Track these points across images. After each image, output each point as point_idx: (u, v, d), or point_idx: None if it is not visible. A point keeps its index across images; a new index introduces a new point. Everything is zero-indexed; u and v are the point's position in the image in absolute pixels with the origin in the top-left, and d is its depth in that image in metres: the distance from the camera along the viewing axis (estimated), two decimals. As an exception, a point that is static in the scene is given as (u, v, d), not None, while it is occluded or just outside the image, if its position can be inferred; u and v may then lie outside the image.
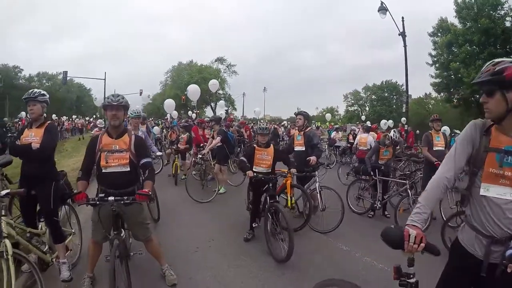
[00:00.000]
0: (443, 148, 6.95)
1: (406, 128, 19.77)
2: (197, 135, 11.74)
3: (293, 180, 6.12)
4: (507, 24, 27.94)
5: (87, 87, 65.80)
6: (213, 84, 25.63)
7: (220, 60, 59.71)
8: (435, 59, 34.17)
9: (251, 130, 17.68)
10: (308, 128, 6.92)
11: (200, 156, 8.78)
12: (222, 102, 38.82)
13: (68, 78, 41.87)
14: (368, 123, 14.19)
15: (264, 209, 5.51)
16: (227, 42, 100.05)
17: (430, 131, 7.20)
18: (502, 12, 28.42)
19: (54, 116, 32.55)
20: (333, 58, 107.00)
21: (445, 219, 5.94)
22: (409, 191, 6.60)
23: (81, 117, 46.84)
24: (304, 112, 7.01)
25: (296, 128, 7.13)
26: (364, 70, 78.74)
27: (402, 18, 20.89)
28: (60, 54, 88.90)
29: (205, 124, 12.76)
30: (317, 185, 6.34)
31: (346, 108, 62.99)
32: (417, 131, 23.46)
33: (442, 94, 35.70)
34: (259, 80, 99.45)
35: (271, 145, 5.94)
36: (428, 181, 2.18)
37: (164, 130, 20.25)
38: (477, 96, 27.94)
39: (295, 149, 6.90)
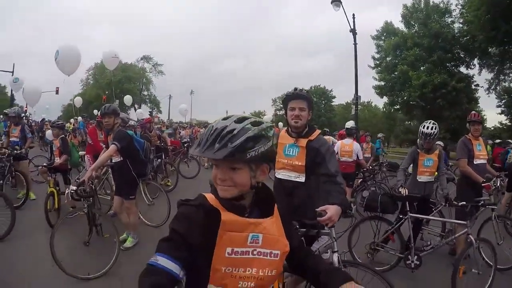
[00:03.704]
0: (485, 161, 5.26)
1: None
2: (95, 140, 7.64)
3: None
4: (456, 30, 29.20)
5: (11, 89, 57.86)
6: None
7: (146, 58, 57.23)
8: (378, 62, 34.18)
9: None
10: (315, 133, 3.04)
11: (73, 189, 4.56)
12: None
13: None
14: (351, 123, 10.67)
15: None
16: (155, 39, 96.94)
17: (466, 136, 5.20)
18: (449, 20, 29.72)
19: None
20: (262, 66, 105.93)
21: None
22: (471, 238, 3.95)
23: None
24: (306, 92, 3.04)
25: (288, 128, 3.14)
26: (293, 78, 79.48)
27: (353, 15, 20.19)
28: None
29: (150, 125, 10.17)
30: (335, 257, 2.71)
31: (275, 112, 62.01)
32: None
33: (385, 97, 35.25)
34: (186, 84, 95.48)
35: None
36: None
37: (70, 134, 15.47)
38: (425, 100, 29.02)
39: (278, 175, 3.11)
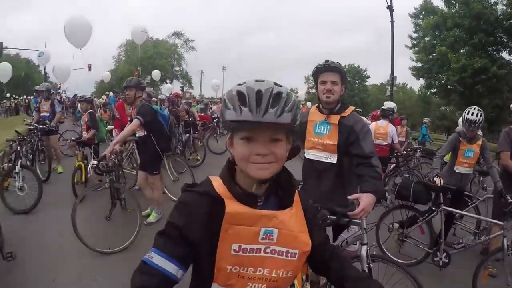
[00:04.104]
0: None
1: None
2: (122, 115, 7.61)
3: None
4: (499, 12, 26.78)
5: (36, 63, 60.48)
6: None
7: (178, 34, 56.61)
8: (415, 42, 32.08)
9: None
10: (348, 110, 2.78)
11: (94, 164, 4.50)
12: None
13: (10, 52, 37.55)
14: (389, 104, 10.11)
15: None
16: (186, 17, 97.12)
17: (511, 127, 4.61)
18: (492, 1, 27.12)
19: None
20: (294, 41, 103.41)
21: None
22: (504, 242, 3.56)
23: (24, 96, 42.08)
24: (339, 64, 2.74)
25: (319, 104, 2.87)
26: (325, 55, 75.54)
27: (391, -10, 18.68)
28: (6, 30, 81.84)
29: (178, 100, 9.94)
30: (364, 250, 2.46)
31: (307, 90, 60.22)
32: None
33: (421, 79, 33.28)
34: (218, 59, 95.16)
35: None
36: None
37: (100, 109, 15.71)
38: (463, 84, 27.23)
39: (308, 155, 2.87)
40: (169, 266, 1.09)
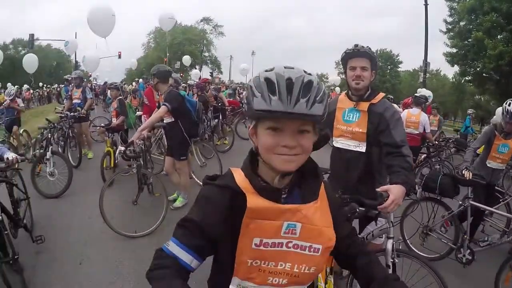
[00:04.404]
0: None
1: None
2: (151, 101, 7.70)
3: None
4: None
5: (66, 53, 62.00)
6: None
7: (206, 20, 56.91)
8: (450, 26, 30.43)
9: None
10: (378, 96, 2.66)
11: (122, 150, 4.58)
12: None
13: (41, 43, 39.37)
14: (422, 91, 9.67)
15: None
16: (214, 3, 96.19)
17: None
18: None
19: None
20: (323, 26, 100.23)
21: None
22: None
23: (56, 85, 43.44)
24: (369, 49, 2.59)
25: (348, 91, 2.77)
26: (355, 39, 73.06)
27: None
28: (39, 21, 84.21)
29: (207, 85, 9.68)
30: (390, 244, 2.37)
31: (338, 75, 59.42)
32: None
33: (455, 66, 31.79)
34: (247, 45, 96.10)
35: None
36: None
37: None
38: (500, 73, 26.04)
39: (336, 143, 2.78)
40: (184, 256, 1.07)
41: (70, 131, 7.43)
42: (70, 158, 6.68)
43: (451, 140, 8.83)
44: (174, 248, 1.08)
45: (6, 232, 3.06)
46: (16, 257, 3.10)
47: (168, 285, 1.01)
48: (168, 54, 30.73)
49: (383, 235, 2.49)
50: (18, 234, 3.73)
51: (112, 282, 3.43)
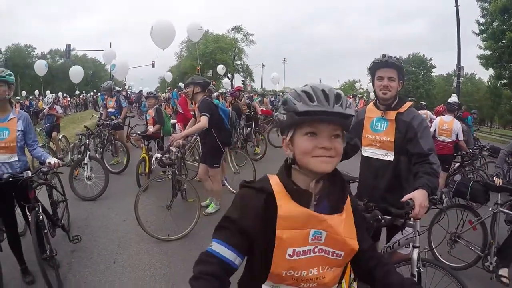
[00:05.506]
0: None
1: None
2: (185, 109, 7.87)
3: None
4: None
5: (102, 62, 64.81)
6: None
7: (237, 29, 57.04)
8: (483, 27, 29.03)
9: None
10: (405, 105, 2.68)
11: (158, 157, 4.79)
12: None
13: (78, 53, 40.09)
14: (454, 98, 9.45)
15: None
16: (243, 12, 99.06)
17: None
18: None
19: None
20: (352, 31, 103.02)
21: None
22: None
23: (92, 93, 45.13)
24: (397, 60, 2.63)
25: (376, 100, 2.81)
26: (385, 45, 74.16)
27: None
28: (74, 32, 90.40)
29: (240, 93, 10.05)
30: (415, 254, 2.37)
31: (370, 81, 58.28)
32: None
33: (490, 69, 30.35)
34: (278, 52, 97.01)
35: None
36: None
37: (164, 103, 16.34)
38: None
39: (365, 152, 2.81)
40: (228, 254, 1.15)
41: (111, 137, 7.83)
42: (106, 163, 6.97)
43: (486, 148, 8.56)
44: (217, 247, 1.16)
45: (45, 231, 3.30)
46: (54, 254, 3.35)
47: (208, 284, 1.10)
48: (200, 63, 31.12)
49: (410, 244, 2.49)
50: (56, 233, 3.99)
51: (143, 283, 3.55)
